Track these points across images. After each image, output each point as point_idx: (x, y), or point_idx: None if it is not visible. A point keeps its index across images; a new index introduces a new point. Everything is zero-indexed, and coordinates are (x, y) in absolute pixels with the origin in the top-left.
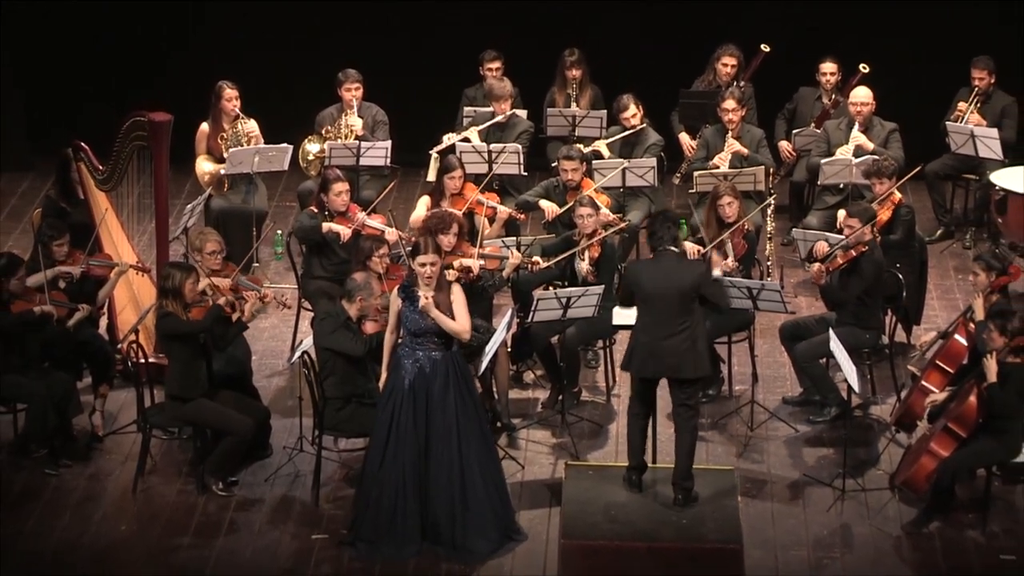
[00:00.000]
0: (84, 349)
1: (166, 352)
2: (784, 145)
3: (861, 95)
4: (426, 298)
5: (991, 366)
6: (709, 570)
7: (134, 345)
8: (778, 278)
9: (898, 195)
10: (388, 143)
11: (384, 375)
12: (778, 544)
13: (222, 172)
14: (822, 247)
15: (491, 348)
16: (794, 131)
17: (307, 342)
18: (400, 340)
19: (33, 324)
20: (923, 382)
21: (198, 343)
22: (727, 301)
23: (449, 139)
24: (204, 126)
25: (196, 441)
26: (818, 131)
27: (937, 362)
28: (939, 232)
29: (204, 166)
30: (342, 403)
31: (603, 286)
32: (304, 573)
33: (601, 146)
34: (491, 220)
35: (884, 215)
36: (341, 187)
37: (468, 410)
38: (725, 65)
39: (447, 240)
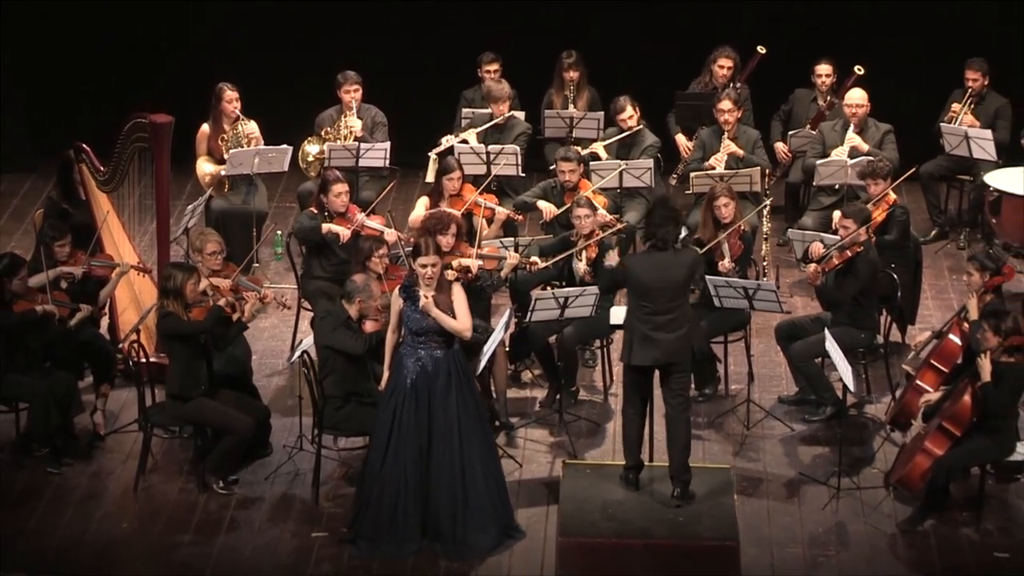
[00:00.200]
0: (86, 349)
1: (167, 352)
2: (780, 146)
3: (856, 97)
4: (426, 297)
5: (985, 365)
6: (705, 567)
7: (135, 345)
8: (774, 278)
9: (893, 196)
10: (387, 144)
11: (386, 375)
12: (774, 542)
13: (223, 173)
14: (818, 247)
15: (489, 348)
16: (790, 133)
17: (307, 342)
18: (402, 339)
19: (35, 324)
20: (918, 381)
21: (199, 343)
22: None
23: (447, 141)
24: (205, 127)
25: (197, 440)
26: (813, 132)
27: (932, 361)
28: (933, 233)
29: (205, 167)
30: (341, 402)
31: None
32: (304, 570)
33: (598, 147)
34: (489, 221)
35: (879, 216)
36: (340, 188)
37: (469, 408)
38: (721, 67)
39: (445, 241)
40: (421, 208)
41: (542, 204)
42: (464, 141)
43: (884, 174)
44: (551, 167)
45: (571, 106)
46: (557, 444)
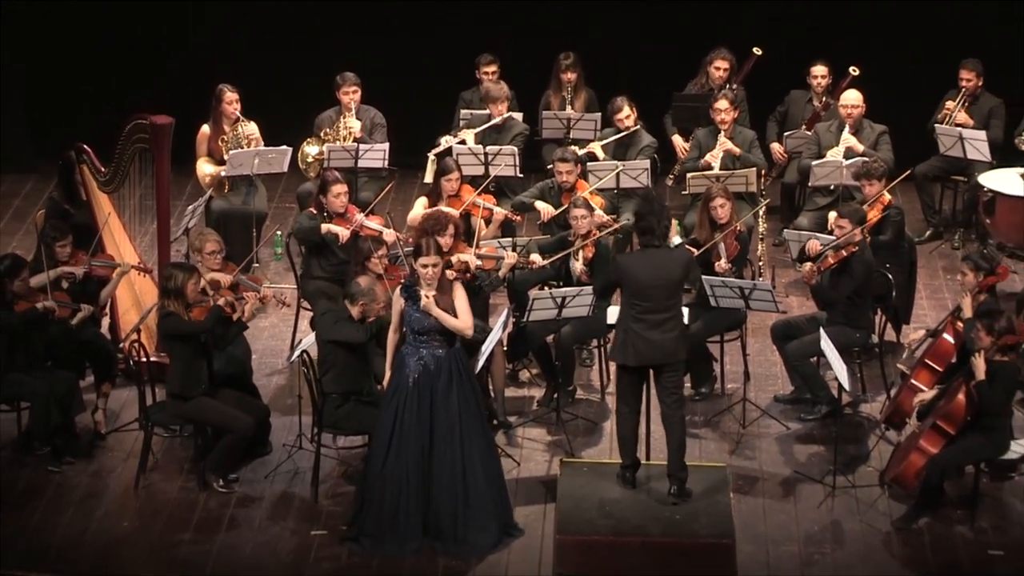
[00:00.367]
0: (87, 348)
1: (167, 351)
2: (776, 147)
3: (851, 98)
4: (427, 297)
5: (979, 364)
6: (702, 565)
7: (136, 344)
8: (770, 278)
9: (888, 196)
10: (386, 145)
11: (388, 374)
12: (769, 539)
13: (223, 174)
14: (814, 246)
15: (487, 347)
16: (785, 134)
17: (306, 341)
18: (404, 339)
19: (36, 321)
20: (912, 380)
21: (199, 343)
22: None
23: (446, 142)
24: (205, 128)
25: (197, 439)
26: (809, 133)
27: (926, 361)
28: (928, 233)
29: (205, 168)
30: (341, 401)
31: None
32: (304, 568)
33: (596, 148)
34: (487, 221)
35: (874, 216)
36: (340, 189)
37: (471, 407)
38: (717, 68)
39: (443, 241)
40: (420, 208)
41: (540, 205)
42: (462, 142)
43: (879, 175)
44: (548, 168)
45: (568, 107)
46: (555, 443)
